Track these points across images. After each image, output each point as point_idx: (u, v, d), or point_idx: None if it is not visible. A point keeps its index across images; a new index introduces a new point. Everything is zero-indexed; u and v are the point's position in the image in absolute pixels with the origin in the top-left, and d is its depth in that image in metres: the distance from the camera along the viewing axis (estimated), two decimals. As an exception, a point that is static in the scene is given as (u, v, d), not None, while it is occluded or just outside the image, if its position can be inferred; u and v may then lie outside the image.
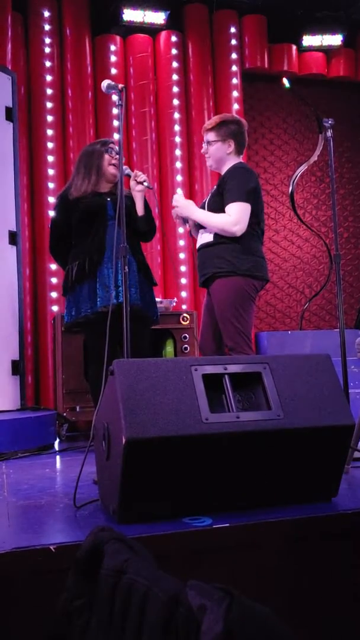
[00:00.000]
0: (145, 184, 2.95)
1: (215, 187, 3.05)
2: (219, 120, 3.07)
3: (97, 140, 3.23)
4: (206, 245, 2.96)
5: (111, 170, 2.99)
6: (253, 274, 2.89)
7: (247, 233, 2.90)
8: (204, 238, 2.98)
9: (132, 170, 3.02)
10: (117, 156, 2.92)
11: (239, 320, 2.86)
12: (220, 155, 3.04)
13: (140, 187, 2.95)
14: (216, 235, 2.91)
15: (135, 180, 2.95)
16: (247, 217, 2.87)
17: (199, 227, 3.04)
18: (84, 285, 2.83)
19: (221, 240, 2.90)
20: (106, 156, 2.99)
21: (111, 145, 3.03)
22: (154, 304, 3.02)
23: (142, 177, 2.96)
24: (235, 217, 2.85)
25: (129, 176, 2.97)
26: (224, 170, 3.04)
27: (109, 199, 2.94)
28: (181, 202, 3.05)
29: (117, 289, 2.76)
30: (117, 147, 2.98)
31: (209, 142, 3.06)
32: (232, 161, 3.04)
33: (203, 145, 3.12)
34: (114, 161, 2.98)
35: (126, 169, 2.96)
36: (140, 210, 2.97)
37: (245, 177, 2.93)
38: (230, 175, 2.96)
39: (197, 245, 3.05)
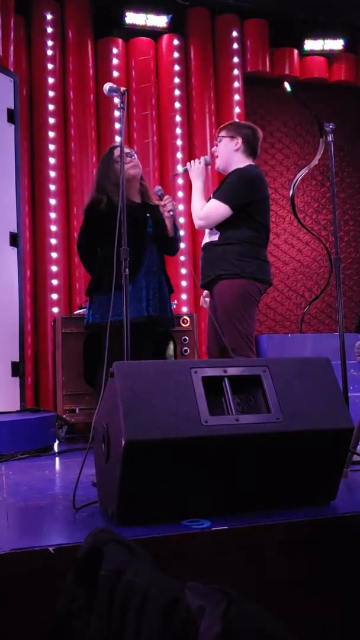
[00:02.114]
0: (171, 213, 3.09)
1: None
2: (231, 121, 3.17)
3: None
4: (211, 244, 2.96)
5: (130, 172, 3.06)
6: (257, 277, 2.88)
7: (252, 237, 2.90)
8: (210, 237, 2.98)
9: (165, 193, 3.17)
10: (128, 159, 3.07)
11: (241, 323, 2.86)
12: (227, 152, 3.02)
13: (167, 214, 3.09)
14: (221, 235, 2.91)
15: (163, 206, 3.09)
16: (218, 218, 2.89)
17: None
18: (116, 293, 2.86)
19: (226, 242, 2.89)
20: (116, 165, 3.06)
21: (116, 152, 3.10)
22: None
23: (168, 206, 3.08)
24: (205, 212, 2.91)
25: (160, 197, 3.13)
26: (230, 170, 3.02)
27: (148, 214, 3.06)
28: (196, 166, 3.05)
29: (147, 302, 2.99)
30: (125, 150, 3.05)
31: (218, 141, 3.07)
32: (240, 162, 3.00)
33: (214, 147, 3.14)
34: (127, 165, 3.02)
35: (159, 190, 3.16)
36: (170, 231, 3.12)
37: (244, 186, 2.89)
38: (231, 176, 2.96)
39: (203, 243, 3.06)
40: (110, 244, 2.94)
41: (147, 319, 2.98)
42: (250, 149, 3.03)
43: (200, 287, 3.19)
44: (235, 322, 2.85)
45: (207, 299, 3.15)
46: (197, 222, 2.96)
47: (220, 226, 2.93)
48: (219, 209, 2.87)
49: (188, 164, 3.10)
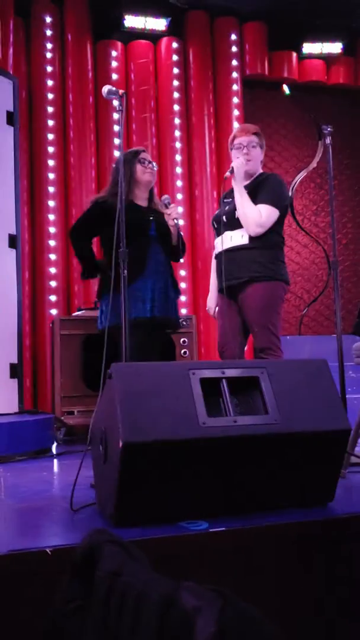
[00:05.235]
0: (176, 222, 3.09)
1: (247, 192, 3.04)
2: (258, 129, 3.18)
3: (129, 149, 3.31)
4: (240, 248, 2.95)
5: (147, 177, 3.14)
6: (286, 280, 2.99)
7: (280, 241, 3.02)
8: (236, 240, 2.96)
9: (171, 201, 3.19)
10: (150, 165, 3.15)
11: (272, 324, 2.92)
12: (258, 160, 3.11)
13: (171, 222, 3.09)
14: (251, 239, 2.93)
15: (168, 215, 3.09)
16: (272, 223, 2.95)
17: (226, 227, 3.01)
18: (120, 295, 2.85)
19: (259, 246, 2.93)
20: (139, 166, 3.11)
21: (143, 155, 3.15)
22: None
23: (174, 215, 3.08)
24: (264, 219, 2.92)
25: (166, 206, 3.13)
26: (251, 177, 3.07)
27: (151, 218, 3.07)
28: (240, 166, 3.01)
29: (152, 303, 2.98)
30: (149, 157, 3.18)
31: (253, 145, 3.07)
32: (259, 170, 3.13)
33: (240, 145, 3.06)
34: (148, 170, 3.14)
35: (167, 199, 3.19)
36: (174, 240, 3.13)
37: (284, 191, 3.07)
38: (270, 181, 3.03)
39: (226, 246, 2.98)
40: (109, 248, 2.94)
41: (150, 319, 2.96)
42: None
43: (220, 290, 3.11)
44: (268, 323, 2.90)
45: (215, 307, 3.23)
46: (256, 229, 2.91)
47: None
48: (274, 214, 2.95)
49: (234, 165, 3.03)
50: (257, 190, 2.99)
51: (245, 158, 3.03)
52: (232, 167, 3.04)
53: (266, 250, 2.93)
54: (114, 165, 3.26)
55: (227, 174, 3.10)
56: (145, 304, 2.96)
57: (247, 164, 3.03)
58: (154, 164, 3.22)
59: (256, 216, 2.91)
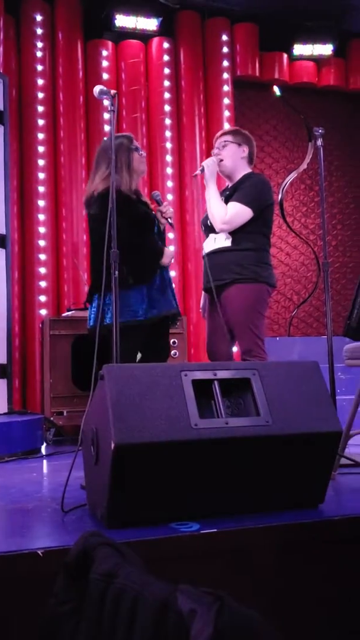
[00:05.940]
0: (170, 220, 2.99)
1: (227, 193, 3.04)
2: (234, 128, 3.17)
3: (118, 134, 3.05)
4: (222, 250, 2.95)
5: (142, 167, 3.01)
6: (269, 282, 2.96)
7: (264, 243, 3.00)
8: (219, 242, 2.97)
9: (163, 199, 3.10)
10: (143, 154, 3.01)
11: (256, 326, 2.92)
12: (235, 158, 3.07)
13: (164, 221, 3.00)
14: (235, 241, 2.93)
15: (162, 213, 2.97)
16: (241, 221, 2.92)
17: (211, 230, 3.04)
18: (140, 289, 2.76)
19: (242, 248, 2.93)
20: (136, 155, 2.95)
21: (136, 143, 3.01)
22: None
23: (168, 213, 2.98)
24: (229, 216, 2.92)
25: (158, 203, 3.02)
26: (236, 177, 3.07)
27: (153, 213, 2.98)
28: (211, 164, 3.04)
29: (172, 295, 2.88)
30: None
31: (224, 144, 3.07)
32: (244, 169, 3.08)
33: (215, 150, 3.11)
34: (143, 160, 2.99)
35: (157, 195, 3.08)
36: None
37: (263, 190, 3.00)
38: (250, 180, 3.01)
39: (210, 249, 3.00)
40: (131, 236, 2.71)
41: (175, 313, 2.85)
42: (251, 158, 3.14)
43: (204, 290, 3.13)
44: (250, 324, 2.90)
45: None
46: (220, 226, 2.93)
47: (233, 231, 2.95)
48: (244, 213, 2.92)
49: (204, 163, 3.07)
50: (237, 190, 3.00)
51: (217, 158, 3.07)
52: (202, 166, 3.07)
53: (250, 252, 2.93)
54: (100, 150, 2.97)
55: (197, 172, 3.12)
56: (169, 297, 2.85)
57: (220, 163, 3.07)
58: (144, 152, 3.13)
59: (222, 213, 2.94)
